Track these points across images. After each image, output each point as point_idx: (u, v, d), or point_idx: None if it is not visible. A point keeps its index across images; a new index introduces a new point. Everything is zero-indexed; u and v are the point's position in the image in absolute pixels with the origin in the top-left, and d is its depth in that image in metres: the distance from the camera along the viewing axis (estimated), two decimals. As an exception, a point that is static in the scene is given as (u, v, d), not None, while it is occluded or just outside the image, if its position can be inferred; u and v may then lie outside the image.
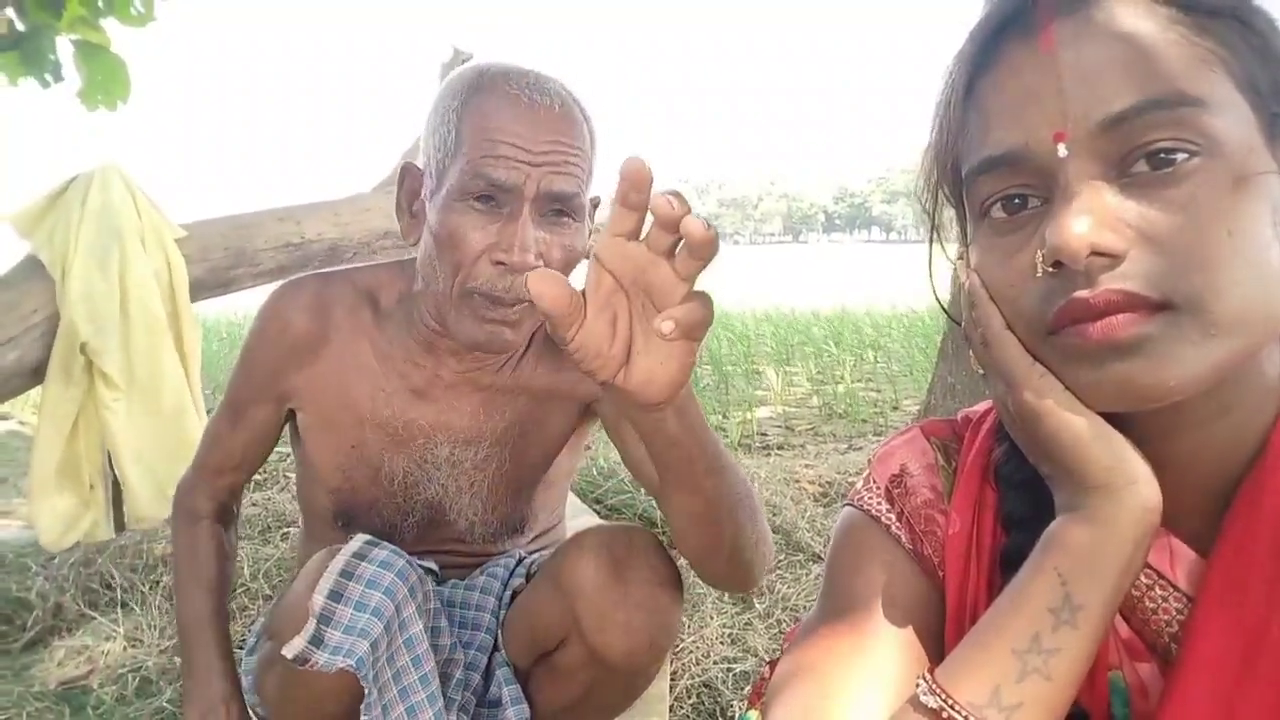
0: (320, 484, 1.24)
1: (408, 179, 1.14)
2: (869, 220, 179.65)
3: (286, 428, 1.29)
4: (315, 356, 1.20)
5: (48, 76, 2.79)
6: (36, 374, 2.65)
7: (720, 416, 4.43)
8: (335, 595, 0.99)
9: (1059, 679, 0.53)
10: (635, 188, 0.58)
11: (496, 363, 1.20)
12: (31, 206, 2.77)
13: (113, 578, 2.21)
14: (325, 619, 0.98)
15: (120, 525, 2.77)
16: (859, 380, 5.61)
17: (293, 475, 3.29)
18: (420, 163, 1.13)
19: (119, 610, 2.07)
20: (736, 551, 0.96)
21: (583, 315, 0.63)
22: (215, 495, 1.29)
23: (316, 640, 0.97)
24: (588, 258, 0.65)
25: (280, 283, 1.25)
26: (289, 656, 0.96)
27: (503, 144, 1.01)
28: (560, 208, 1.05)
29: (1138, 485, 0.54)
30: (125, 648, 1.91)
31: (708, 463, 0.83)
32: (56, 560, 2.30)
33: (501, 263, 1.03)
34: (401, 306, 1.20)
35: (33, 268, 2.70)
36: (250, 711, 1.22)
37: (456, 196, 1.03)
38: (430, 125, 1.10)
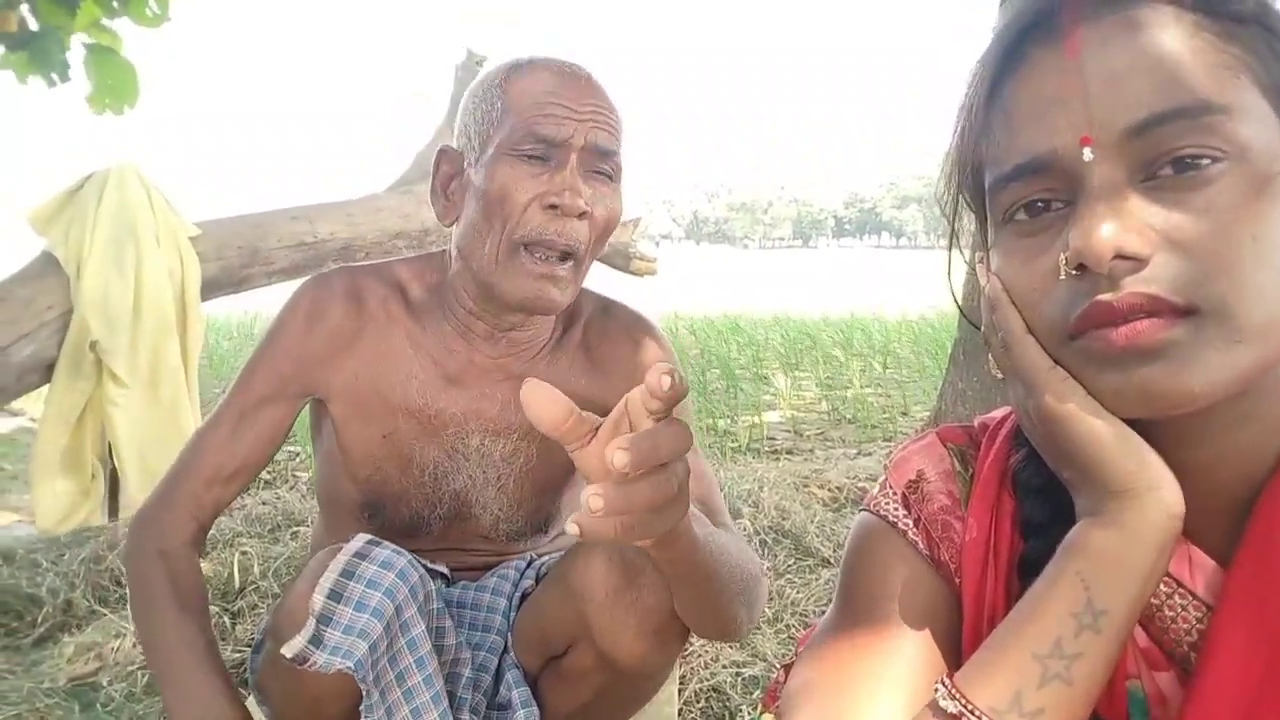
0: (350, 475, 1.24)
1: (443, 162, 1.17)
2: (879, 226, 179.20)
3: (309, 423, 1.29)
4: (350, 347, 1.20)
5: (54, 76, 2.81)
6: (51, 370, 2.67)
7: (729, 421, 4.43)
8: (335, 595, 0.99)
9: (1080, 684, 0.52)
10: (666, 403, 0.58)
11: (530, 350, 1.21)
12: (48, 204, 2.79)
13: (123, 574, 2.21)
14: (325, 619, 0.97)
15: (114, 512, 2.80)
16: (868, 386, 5.60)
17: (301, 475, 3.30)
18: (456, 144, 1.16)
19: (129, 607, 2.07)
20: (727, 626, 1.03)
21: (585, 438, 0.62)
22: (197, 515, 1.18)
23: (316, 640, 0.96)
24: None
25: (302, 279, 1.25)
26: (288, 656, 0.96)
27: (550, 104, 1.08)
28: (603, 166, 1.11)
29: (1161, 490, 0.54)
30: (135, 644, 1.90)
31: (704, 574, 0.87)
32: (67, 556, 2.31)
33: (554, 205, 1.07)
34: (433, 296, 1.22)
35: (48, 264, 2.72)
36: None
37: (506, 152, 1.08)
38: (468, 109, 1.14)
